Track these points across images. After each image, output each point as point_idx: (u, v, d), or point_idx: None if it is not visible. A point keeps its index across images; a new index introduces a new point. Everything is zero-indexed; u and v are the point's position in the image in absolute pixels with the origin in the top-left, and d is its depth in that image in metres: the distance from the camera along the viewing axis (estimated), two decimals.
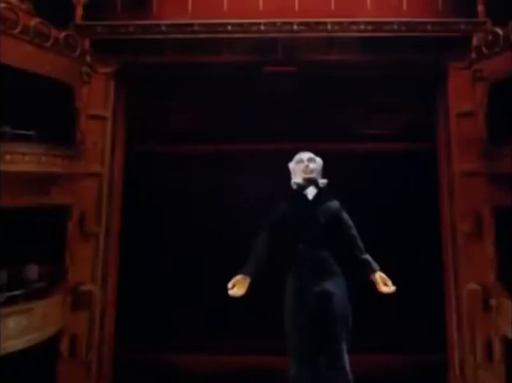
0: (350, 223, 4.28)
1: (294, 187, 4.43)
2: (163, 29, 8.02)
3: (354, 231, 4.25)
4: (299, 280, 4.13)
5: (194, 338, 8.25)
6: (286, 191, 4.46)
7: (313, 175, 4.37)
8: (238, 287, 4.01)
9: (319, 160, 4.51)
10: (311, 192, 4.34)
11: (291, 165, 4.53)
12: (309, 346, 4.00)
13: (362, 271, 4.07)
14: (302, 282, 4.11)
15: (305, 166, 4.39)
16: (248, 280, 4.04)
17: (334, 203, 4.34)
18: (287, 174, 4.53)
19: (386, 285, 4.00)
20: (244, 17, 8.01)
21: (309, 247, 4.17)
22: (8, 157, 6.56)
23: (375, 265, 4.09)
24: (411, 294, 7.80)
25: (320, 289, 4.06)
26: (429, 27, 7.85)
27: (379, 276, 4.02)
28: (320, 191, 4.38)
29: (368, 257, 4.13)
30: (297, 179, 4.43)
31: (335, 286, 4.11)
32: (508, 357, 7.30)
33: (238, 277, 4.04)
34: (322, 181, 4.41)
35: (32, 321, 6.89)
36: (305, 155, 4.48)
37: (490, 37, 7.55)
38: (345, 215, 4.30)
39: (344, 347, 4.04)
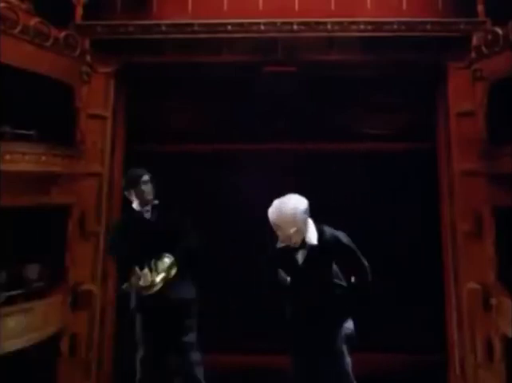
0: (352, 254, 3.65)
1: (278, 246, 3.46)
2: (163, 29, 8.01)
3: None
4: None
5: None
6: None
7: (298, 241, 3.37)
8: None
9: (300, 211, 3.17)
10: (301, 256, 3.52)
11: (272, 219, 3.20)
12: (309, 346, 4.01)
13: None
14: None
15: (283, 235, 3.23)
16: None
17: (332, 250, 3.51)
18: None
19: None
20: (244, 17, 8.00)
21: None
22: (8, 157, 6.55)
23: None
24: (411, 293, 7.84)
25: None
26: (429, 27, 7.84)
27: None
28: (312, 249, 3.46)
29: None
30: (278, 242, 3.41)
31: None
32: (508, 357, 7.29)
33: None
34: (312, 239, 3.34)
35: (32, 320, 6.89)
36: (276, 217, 3.21)
37: (489, 37, 7.54)
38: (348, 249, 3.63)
39: (346, 348, 4.04)
